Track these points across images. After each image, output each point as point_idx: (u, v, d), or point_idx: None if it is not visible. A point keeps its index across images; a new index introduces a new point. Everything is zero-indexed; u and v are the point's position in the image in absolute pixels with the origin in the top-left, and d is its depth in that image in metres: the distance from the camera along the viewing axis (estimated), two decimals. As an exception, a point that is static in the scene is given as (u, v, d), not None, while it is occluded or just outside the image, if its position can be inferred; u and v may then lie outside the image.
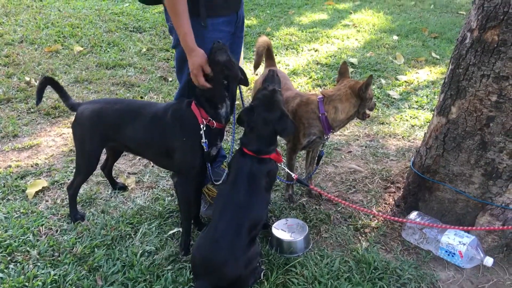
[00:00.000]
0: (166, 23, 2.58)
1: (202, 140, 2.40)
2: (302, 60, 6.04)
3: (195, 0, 2.37)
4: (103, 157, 3.07)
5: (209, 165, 2.49)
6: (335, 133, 3.16)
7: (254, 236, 2.30)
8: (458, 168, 2.61)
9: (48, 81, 2.70)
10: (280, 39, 6.82)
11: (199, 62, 2.33)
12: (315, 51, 6.45)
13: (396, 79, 5.60)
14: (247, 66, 5.42)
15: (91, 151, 2.65)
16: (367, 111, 2.88)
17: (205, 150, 2.42)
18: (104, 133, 2.59)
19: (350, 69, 5.80)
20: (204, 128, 2.40)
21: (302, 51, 6.42)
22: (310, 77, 5.44)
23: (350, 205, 2.74)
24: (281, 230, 2.67)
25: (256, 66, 3.73)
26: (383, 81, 5.45)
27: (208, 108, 2.42)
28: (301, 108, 2.86)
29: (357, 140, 4.01)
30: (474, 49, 2.44)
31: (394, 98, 5.04)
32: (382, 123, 4.38)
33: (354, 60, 6.08)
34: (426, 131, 2.89)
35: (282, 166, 2.54)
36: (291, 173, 2.63)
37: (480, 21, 2.40)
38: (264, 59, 3.55)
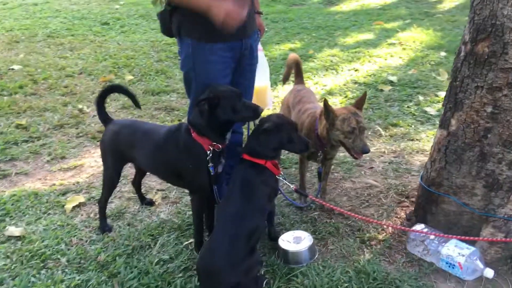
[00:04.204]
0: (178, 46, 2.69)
1: (208, 165, 2.53)
2: (340, 80, 6.11)
3: (191, 23, 2.52)
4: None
5: (215, 187, 2.62)
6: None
7: (253, 244, 2.43)
8: (461, 180, 2.60)
9: (114, 88, 3.11)
10: (321, 60, 6.91)
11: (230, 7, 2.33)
12: (355, 70, 6.49)
13: (436, 95, 5.51)
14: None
15: (111, 168, 2.94)
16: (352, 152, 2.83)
17: (212, 174, 2.56)
18: (120, 154, 2.86)
19: (389, 87, 5.80)
20: (211, 155, 2.52)
21: (342, 71, 6.49)
22: (345, 96, 5.51)
23: (355, 216, 2.82)
24: (286, 242, 2.78)
25: (285, 79, 3.99)
26: (421, 98, 5.41)
27: (213, 136, 2.52)
28: (308, 119, 3.04)
29: (382, 156, 4.02)
30: (467, 62, 2.48)
31: (430, 115, 4.98)
32: (412, 140, 4.36)
33: (393, 78, 6.06)
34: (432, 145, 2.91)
35: (281, 178, 2.64)
36: (289, 184, 2.74)
37: (472, 34, 2.44)
38: (294, 76, 3.76)
